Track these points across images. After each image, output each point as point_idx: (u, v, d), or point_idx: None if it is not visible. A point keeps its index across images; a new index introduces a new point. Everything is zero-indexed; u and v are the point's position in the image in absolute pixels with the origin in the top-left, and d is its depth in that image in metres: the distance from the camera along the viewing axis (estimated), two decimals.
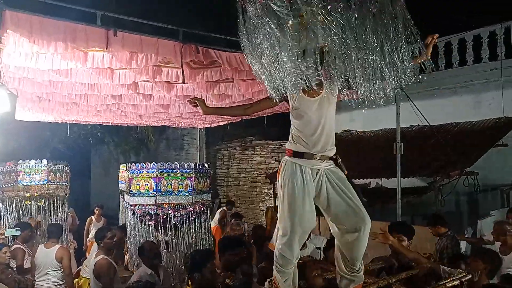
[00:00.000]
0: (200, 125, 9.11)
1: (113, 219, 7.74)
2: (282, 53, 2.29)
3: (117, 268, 4.43)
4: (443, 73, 9.24)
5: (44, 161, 6.54)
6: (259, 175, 11.11)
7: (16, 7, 3.06)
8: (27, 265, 5.18)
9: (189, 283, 3.19)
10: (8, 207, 6.23)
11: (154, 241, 4.46)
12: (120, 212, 7.58)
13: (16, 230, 5.25)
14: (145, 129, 11.65)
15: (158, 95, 5.31)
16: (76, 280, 5.39)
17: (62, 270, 4.98)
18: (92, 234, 6.33)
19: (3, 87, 3.34)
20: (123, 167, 8.09)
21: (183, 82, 4.22)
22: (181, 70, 3.83)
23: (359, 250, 2.81)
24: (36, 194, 6.39)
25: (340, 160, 2.90)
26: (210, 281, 2.94)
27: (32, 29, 3.01)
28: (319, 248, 4.83)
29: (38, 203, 6.40)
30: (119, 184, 8.02)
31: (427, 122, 7.12)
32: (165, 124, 8.67)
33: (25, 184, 6.35)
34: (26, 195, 6.34)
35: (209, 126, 9.26)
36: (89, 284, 4.68)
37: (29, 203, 6.35)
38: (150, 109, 6.17)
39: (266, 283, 3.08)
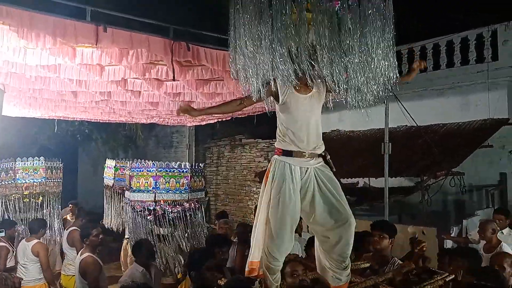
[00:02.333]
0: (189, 123, 9.09)
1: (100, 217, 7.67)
2: (274, 45, 2.30)
3: (102, 265, 4.46)
4: (431, 75, 9.35)
5: (42, 159, 6.51)
6: (248, 173, 11.12)
7: (5, 1, 3.02)
8: (10, 263, 5.15)
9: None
10: (5, 205, 6.16)
11: (151, 235, 4.73)
12: (105, 209, 7.56)
13: (0, 231, 5.21)
14: (134, 126, 11.58)
15: (147, 92, 5.28)
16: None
17: (40, 264, 5.05)
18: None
19: None
20: (109, 162, 8.07)
21: (174, 80, 4.21)
22: (171, 68, 3.81)
23: (344, 249, 2.83)
24: (35, 192, 6.36)
25: (329, 157, 2.92)
26: (208, 280, 2.94)
27: (21, 23, 2.97)
28: None
29: (37, 201, 6.36)
30: (104, 179, 7.98)
31: (415, 122, 7.22)
32: (154, 122, 8.63)
33: (24, 181, 6.30)
34: (25, 193, 6.29)
35: (198, 124, 9.25)
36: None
37: (27, 200, 6.29)
38: (139, 106, 6.13)
39: (256, 282, 3.09)
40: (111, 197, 7.60)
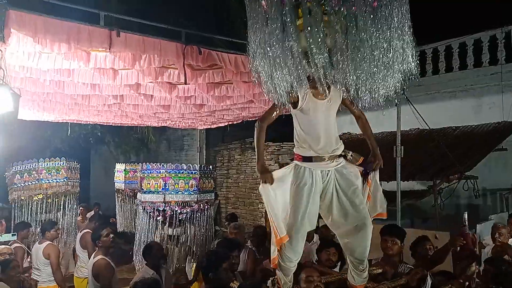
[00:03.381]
0: (200, 126, 9.12)
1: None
2: (289, 52, 2.30)
3: (115, 268, 4.49)
4: (444, 77, 9.27)
5: (63, 159, 6.63)
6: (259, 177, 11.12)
7: (20, 6, 3.08)
8: (25, 264, 5.23)
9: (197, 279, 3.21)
10: (30, 206, 6.26)
11: (162, 235, 4.83)
12: (117, 212, 7.62)
13: (13, 235, 5.31)
14: (146, 130, 11.67)
15: (159, 96, 5.32)
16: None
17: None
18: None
19: (6, 87, 3.35)
20: (119, 166, 8.15)
21: (185, 84, 4.24)
22: (183, 71, 3.84)
23: (361, 252, 2.87)
24: (58, 192, 6.46)
25: (350, 153, 2.94)
26: (224, 282, 2.96)
27: (36, 29, 3.03)
28: None
29: (59, 201, 6.47)
30: (115, 183, 8.05)
31: (427, 125, 7.13)
32: (165, 125, 8.68)
33: (47, 182, 6.40)
34: (49, 193, 6.39)
35: (209, 127, 9.27)
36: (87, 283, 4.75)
37: (50, 201, 6.39)
38: (151, 110, 6.19)
39: (269, 281, 3.11)
40: (123, 200, 7.71)
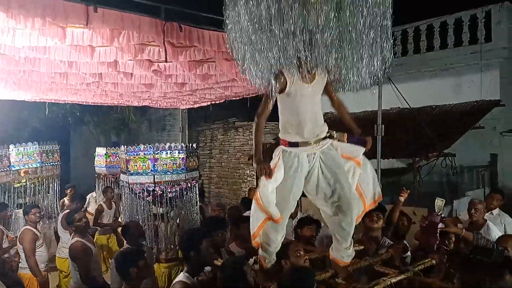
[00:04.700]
0: (182, 106, 9.02)
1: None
2: (277, 32, 2.26)
3: (94, 249, 4.48)
4: (425, 56, 9.35)
5: (36, 143, 6.43)
6: (242, 156, 11.14)
7: None
8: (4, 244, 5.16)
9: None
10: (2, 192, 6.11)
11: (149, 214, 4.87)
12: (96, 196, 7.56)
13: None
14: (126, 109, 11.49)
15: (139, 74, 5.22)
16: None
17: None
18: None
19: None
20: (100, 150, 8.05)
21: (166, 61, 4.15)
22: (163, 49, 3.75)
23: (347, 231, 2.91)
24: (31, 177, 6.30)
25: (335, 132, 2.95)
26: (206, 259, 2.98)
27: (10, 3, 2.89)
28: None
29: (35, 186, 6.34)
30: (96, 168, 7.96)
31: (408, 104, 7.24)
32: (146, 105, 8.55)
33: (18, 168, 6.22)
34: (22, 179, 6.23)
35: (191, 107, 9.18)
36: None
37: (24, 185, 6.24)
38: (132, 88, 6.07)
39: (251, 260, 3.15)
40: (104, 185, 7.63)
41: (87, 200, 7.59)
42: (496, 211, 5.16)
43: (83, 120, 12.93)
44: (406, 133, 7.65)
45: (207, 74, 5.18)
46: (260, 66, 2.41)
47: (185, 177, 5.05)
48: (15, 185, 6.18)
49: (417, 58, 9.39)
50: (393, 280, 2.74)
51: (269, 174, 2.71)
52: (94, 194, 7.74)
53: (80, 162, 13.62)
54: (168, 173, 4.95)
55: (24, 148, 6.32)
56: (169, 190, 4.92)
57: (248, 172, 10.95)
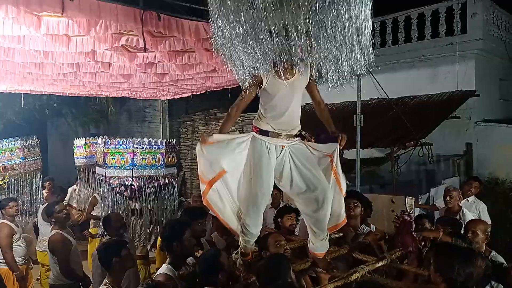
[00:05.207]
0: (163, 97, 8.93)
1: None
2: (254, 31, 2.27)
3: (74, 241, 4.44)
4: (403, 47, 9.48)
5: (17, 138, 6.29)
6: None
7: None
8: None
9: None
10: None
11: (125, 209, 4.83)
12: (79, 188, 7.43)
13: None
14: (105, 100, 11.27)
15: (118, 64, 5.14)
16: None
17: None
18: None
19: None
20: (78, 142, 7.92)
21: (145, 51, 4.10)
22: (142, 38, 3.70)
23: (322, 221, 2.95)
24: (13, 173, 6.16)
25: (304, 132, 2.99)
26: (188, 249, 2.99)
27: None
28: None
29: (18, 181, 6.21)
30: (75, 160, 7.83)
31: (386, 95, 7.33)
32: (126, 95, 8.42)
33: (1, 164, 6.08)
34: (5, 176, 6.09)
35: (172, 98, 9.09)
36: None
37: (8, 181, 6.10)
38: (110, 79, 5.97)
39: (233, 254, 3.18)
40: (85, 177, 7.49)
41: (69, 193, 7.46)
42: (471, 198, 5.34)
43: (60, 112, 12.64)
44: (384, 123, 7.77)
45: (187, 64, 5.14)
46: (235, 62, 2.44)
47: (163, 173, 5.02)
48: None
49: (395, 49, 9.52)
50: (371, 268, 2.81)
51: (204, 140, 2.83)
52: (75, 187, 7.61)
53: (58, 155, 13.35)
54: (146, 168, 4.89)
55: (6, 144, 6.17)
56: (147, 186, 4.88)
57: None
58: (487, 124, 8.30)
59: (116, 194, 4.86)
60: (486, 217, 5.13)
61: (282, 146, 2.88)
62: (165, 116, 11.53)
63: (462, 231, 3.48)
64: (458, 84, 8.35)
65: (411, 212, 3.59)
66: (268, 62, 2.42)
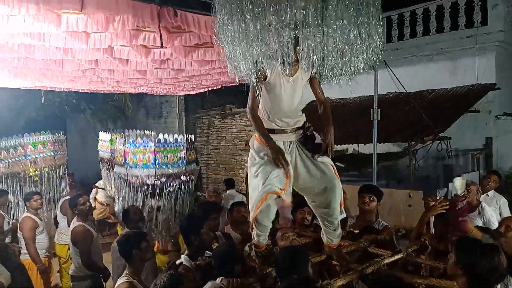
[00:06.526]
0: (179, 92, 8.99)
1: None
2: (257, 28, 2.29)
3: (95, 233, 4.54)
4: (421, 40, 9.34)
5: (49, 132, 6.52)
6: (239, 142, 11.18)
7: None
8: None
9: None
10: (17, 182, 6.18)
11: (148, 207, 4.82)
12: (103, 178, 7.56)
13: None
14: (123, 97, 11.44)
15: (135, 60, 5.20)
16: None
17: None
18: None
19: None
20: (103, 136, 8.04)
21: (162, 47, 4.15)
22: (159, 34, 3.74)
23: (332, 213, 2.95)
24: (44, 167, 6.37)
25: (308, 124, 2.99)
26: (206, 242, 3.04)
27: None
28: None
29: (48, 175, 6.41)
30: (99, 152, 7.95)
31: (404, 89, 7.25)
32: (143, 91, 8.52)
33: (34, 157, 6.28)
34: (36, 169, 6.30)
35: (188, 93, 9.16)
36: (68, 249, 4.80)
37: (39, 174, 6.31)
38: (127, 75, 6.04)
39: (246, 247, 3.21)
40: (108, 169, 7.59)
41: (95, 189, 7.60)
42: (491, 193, 5.25)
43: (79, 108, 12.88)
44: (402, 118, 7.69)
45: (203, 60, 5.17)
46: (242, 58, 2.48)
47: (185, 169, 4.99)
48: (30, 174, 6.24)
49: (413, 43, 9.39)
50: (387, 261, 2.80)
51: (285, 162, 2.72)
52: (101, 182, 7.73)
53: (77, 150, 13.60)
54: (168, 166, 4.85)
55: (38, 138, 6.37)
56: (169, 184, 4.84)
57: (245, 158, 10.97)
58: (508, 117, 8.13)
59: (137, 193, 4.85)
60: (506, 212, 5.05)
61: (290, 141, 2.88)
62: (181, 111, 11.64)
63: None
64: (478, 77, 8.18)
65: (462, 193, 3.32)
66: (272, 58, 2.46)
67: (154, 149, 4.79)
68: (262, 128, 2.84)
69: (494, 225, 4.25)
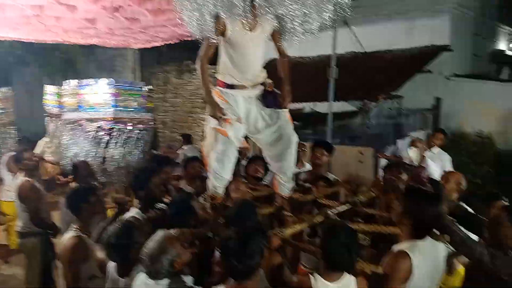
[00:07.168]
0: (133, 45, 8.56)
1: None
2: None
3: (43, 190, 4.39)
4: None
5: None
6: (197, 100, 10.98)
7: None
8: None
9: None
10: None
11: (102, 156, 4.68)
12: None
13: None
14: (72, 49, 10.80)
15: (83, 7, 4.86)
16: None
17: None
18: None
19: None
20: (50, 88, 7.59)
21: None
22: None
23: (288, 163, 3.05)
24: None
25: (268, 80, 2.98)
26: (156, 196, 2.99)
27: None
28: None
29: None
30: (45, 107, 7.54)
31: (363, 48, 7.33)
32: (94, 43, 8.04)
33: None
34: None
35: (143, 47, 8.75)
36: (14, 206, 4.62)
37: None
38: (75, 23, 5.67)
39: (201, 199, 3.22)
40: (56, 124, 7.24)
41: (40, 146, 7.25)
42: (436, 149, 5.52)
43: (25, 60, 12.06)
44: (358, 77, 7.81)
45: (158, 9, 4.93)
46: (199, 10, 2.42)
47: (143, 116, 4.82)
48: None
49: (373, 1, 9.39)
50: (336, 211, 2.90)
51: (222, 112, 2.75)
52: (46, 139, 7.38)
53: (24, 105, 12.83)
54: (128, 110, 4.66)
55: None
56: (128, 130, 4.63)
57: (202, 116, 10.85)
58: (458, 79, 8.46)
59: (92, 140, 4.64)
60: (449, 168, 5.35)
61: (250, 97, 2.90)
62: (136, 66, 11.21)
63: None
64: (432, 38, 8.38)
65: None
66: (233, 11, 2.41)
67: (114, 91, 4.51)
68: (207, 82, 2.83)
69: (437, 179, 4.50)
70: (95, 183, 4.23)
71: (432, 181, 3.56)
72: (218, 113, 2.75)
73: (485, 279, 2.32)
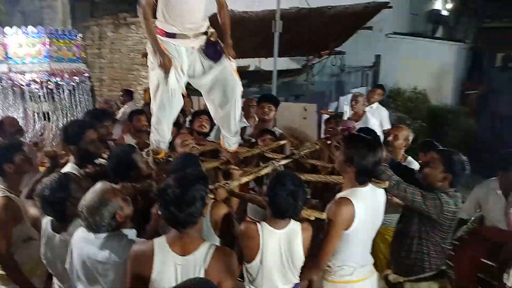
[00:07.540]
0: None
1: None
2: None
3: None
4: None
5: None
6: (136, 56, 10.43)
7: None
8: None
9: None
10: None
11: (37, 111, 4.29)
12: None
13: None
14: None
15: None
16: None
17: None
18: None
19: None
20: None
21: None
22: None
23: (234, 118, 3.03)
24: None
25: (212, 31, 2.89)
26: (92, 151, 2.80)
27: None
28: None
29: None
30: None
31: (307, 3, 7.24)
32: None
33: None
34: None
35: None
36: None
37: None
38: None
39: (144, 152, 3.11)
40: None
41: None
42: (375, 105, 5.73)
43: None
44: (302, 33, 7.76)
45: None
46: None
47: (80, 68, 4.50)
48: None
49: None
50: (281, 163, 2.91)
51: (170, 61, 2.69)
52: None
53: None
54: (63, 61, 4.29)
55: None
56: (65, 82, 4.30)
57: (143, 73, 10.36)
58: (397, 36, 8.71)
59: (22, 96, 4.25)
60: (386, 122, 5.58)
61: (192, 47, 2.81)
62: (66, 19, 10.34)
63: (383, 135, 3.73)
64: None
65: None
66: None
67: (46, 41, 4.14)
68: (152, 31, 2.73)
69: (377, 132, 4.67)
70: (26, 139, 3.91)
71: (369, 130, 3.67)
72: (166, 62, 2.66)
73: (418, 218, 2.51)
